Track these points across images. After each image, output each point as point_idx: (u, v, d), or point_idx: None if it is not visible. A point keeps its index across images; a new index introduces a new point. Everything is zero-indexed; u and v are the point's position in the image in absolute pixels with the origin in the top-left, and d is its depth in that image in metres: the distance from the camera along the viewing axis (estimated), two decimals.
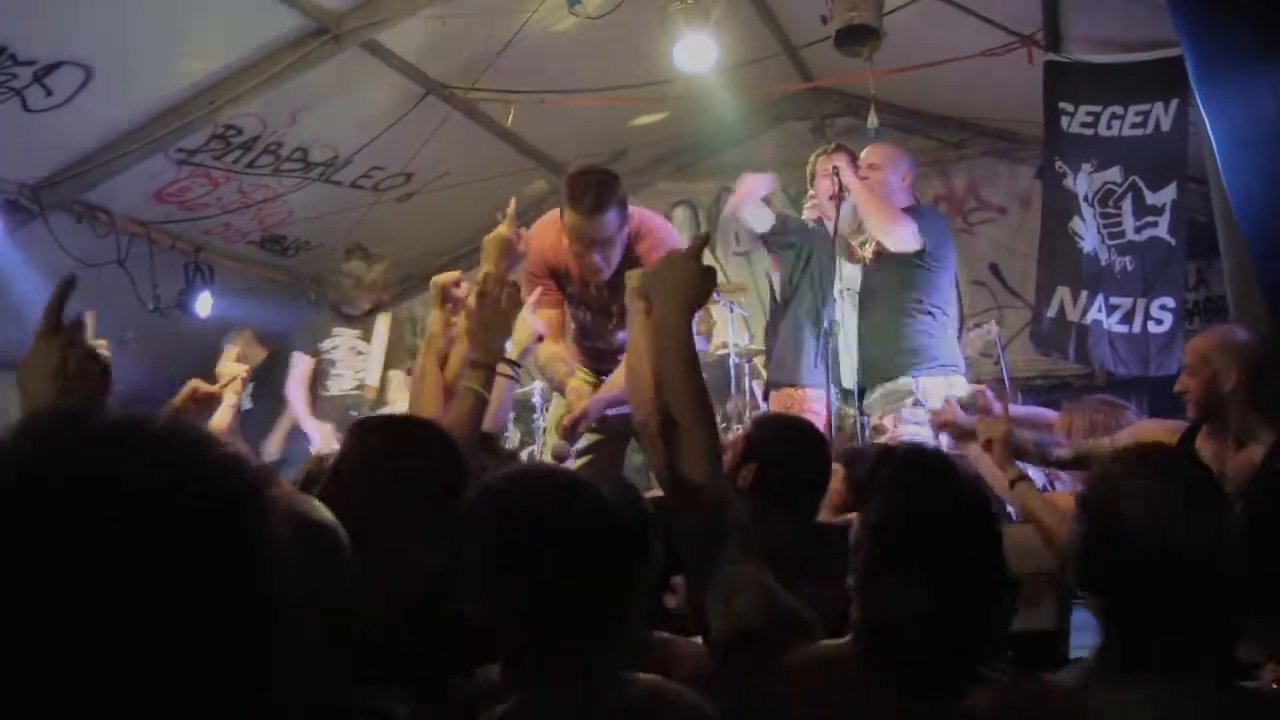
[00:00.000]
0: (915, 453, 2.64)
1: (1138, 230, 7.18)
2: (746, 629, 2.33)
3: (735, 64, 8.26)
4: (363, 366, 8.09)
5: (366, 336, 8.10)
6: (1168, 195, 7.04)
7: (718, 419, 3.82)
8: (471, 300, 4.03)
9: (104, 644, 0.95)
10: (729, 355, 8.78)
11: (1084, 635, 4.90)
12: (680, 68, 7.64)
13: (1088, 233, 7.40)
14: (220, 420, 5.58)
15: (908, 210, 6.54)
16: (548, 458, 5.77)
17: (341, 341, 8.11)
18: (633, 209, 5.35)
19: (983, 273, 10.34)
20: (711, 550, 2.41)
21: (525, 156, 9.73)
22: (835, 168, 6.55)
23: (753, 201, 6.94)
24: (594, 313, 5.56)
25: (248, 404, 8.53)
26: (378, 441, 2.92)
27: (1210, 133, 4.84)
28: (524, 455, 7.86)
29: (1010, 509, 5.27)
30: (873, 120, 7.49)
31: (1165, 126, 7.00)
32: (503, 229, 4.43)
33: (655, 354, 2.67)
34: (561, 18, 7.55)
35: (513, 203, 4.54)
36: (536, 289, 5.36)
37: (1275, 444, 4.34)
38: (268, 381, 8.33)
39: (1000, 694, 2.30)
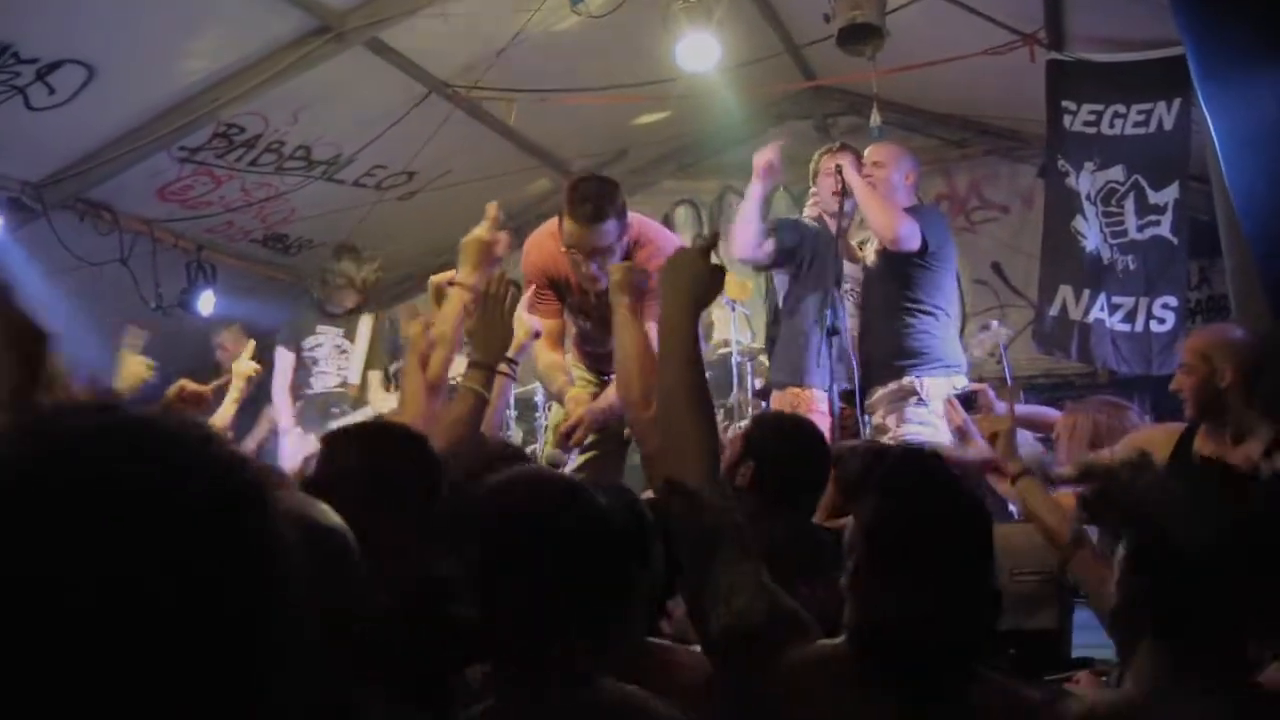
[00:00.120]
0: (909, 454, 2.65)
1: (1140, 229, 7.18)
2: (745, 629, 2.33)
3: (738, 63, 8.25)
4: (346, 365, 8.08)
5: (350, 335, 8.10)
6: (1170, 194, 7.05)
7: (719, 416, 3.83)
8: (464, 300, 4.06)
9: (104, 644, 0.95)
10: (731, 354, 8.79)
11: (1085, 635, 4.92)
12: (683, 66, 7.64)
13: (1090, 232, 7.41)
14: (222, 418, 5.60)
15: (909, 210, 6.54)
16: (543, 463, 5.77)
17: (325, 339, 8.10)
18: (633, 216, 5.35)
19: (985, 272, 10.33)
20: (709, 550, 2.41)
21: (528, 155, 9.73)
22: (839, 166, 6.55)
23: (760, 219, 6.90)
24: (593, 321, 5.56)
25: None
26: (356, 449, 2.90)
27: (1212, 132, 4.84)
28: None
29: (1013, 508, 5.28)
30: (875, 119, 7.50)
31: (1168, 125, 7.00)
32: (481, 232, 4.40)
33: (659, 352, 2.67)
34: (564, 16, 7.56)
35: (493, 207, 4.51)
36: (533, 292, 5.36)
37: (1273, 440, 4.35)
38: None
39: (997, 695, 2.31)
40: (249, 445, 8.32)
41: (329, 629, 1.83)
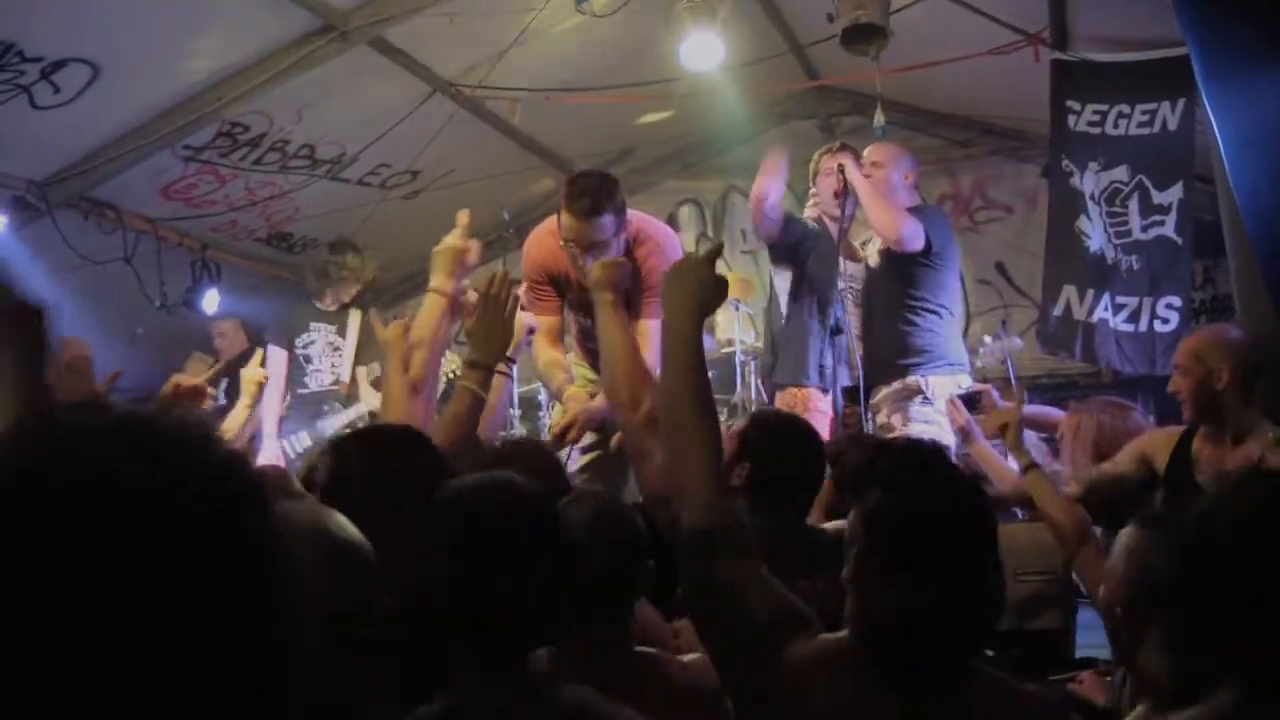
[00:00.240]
0: (912, 447, 2.65)
1: (1144, 229, 7.17)
2: (748, 627, 2.34)
3: (741, 62, 8.25)
4: (339, 362, 8.08)
5: (342, 331, 8.08)
6: (1174, 194, 7.04)
7: (722, 414, 3.84)
8: (440, 305, 4.10)
9: (104, 644, 0.96)
10: (735, 353, 8.79)
11: (1089, 635, 4.92)
12: (686, 66, 7.64)
13: (1094, 232, 7.40)
14: (234, 423, 5.62)
15: (912, 210, 6.54)
16: None
17: (318, 337, 8.09)
18: (632, 214, 5.36)
19: (989, 272, 10.33)
20: (712, 548, 2.42)
21: (531, 154, 9.74)
22: (840, 166, 6.56)
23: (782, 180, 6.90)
24: (594, 318, 5.56)
25: (222, 399, 8.57)
26: (361, 452, 2.96)
27: (1216, 132, 4.84)
28: None
29: (1017, 510, 5.28)
30: (879, 119, 7.49)
31: (1172, 125, 6.99)
32: (454, 240, 4.41)
33: (662, 355, 2.67)
34: (568, 16, 7.56)
35: (464, 215, 4.52)
36: (534, 288, 5.38)
37: (1271, 438, 4.36)
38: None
39: (996, 692, 2.31)
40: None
41: (343, 639, 1.85)
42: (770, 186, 6.70)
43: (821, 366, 6.62)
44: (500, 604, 2.22)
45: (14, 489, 1.00)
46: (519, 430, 8.71)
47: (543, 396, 9.10)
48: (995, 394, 5.71)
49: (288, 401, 7.90)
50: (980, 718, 2.26)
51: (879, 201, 6.44)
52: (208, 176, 8.41)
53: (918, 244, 6.37)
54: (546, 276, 5.52)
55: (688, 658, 2.85)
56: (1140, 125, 7.13)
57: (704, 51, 7.38)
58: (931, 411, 6.27)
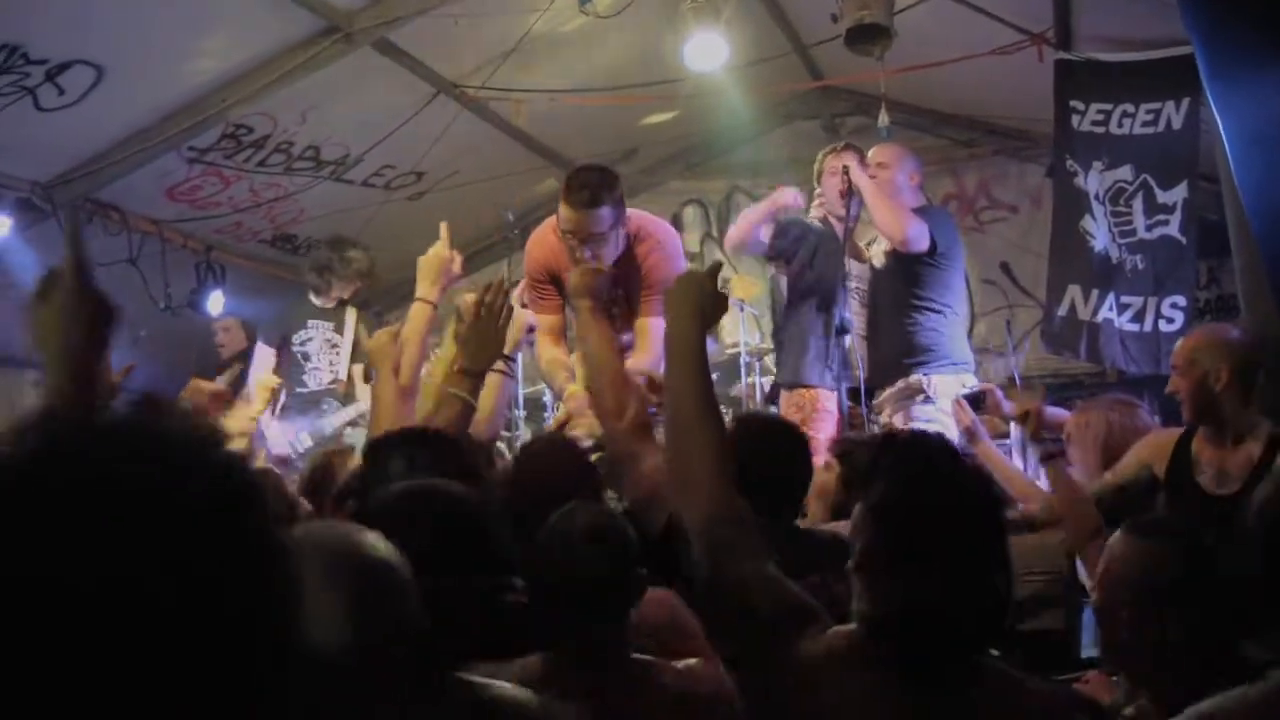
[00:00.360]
0: (919, 439, 2.65)
1: (1149, 229, 7.17)
2: (758, 622, 2.34)
3: (746, 63, 8.25)
4: (337, 359, 8.05)
5: (339, 328, 8.06)
6: (1179, 194, 7.03)
7: (727, 415, 3.84)
8: (427, 314, 4.16)
9: (104, 644, 0.96)
10: (739, 354, 8.79)
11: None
12: (690, 66, 7.63)
13: (1099, 231, 7.40)
14: (242, 425, 5.64)
15: (917, 211, 6.55)
16: None
17: (315, 334, 8.06)
18: (633, 212, 5.37)
19: (994, 272, 10.32)
20: (720, 547, 2.42)
21: (536, 155, 9.74)
22: (845, 166, 6.56)
23: (763, 227, 6.92)
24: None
25: None
26: (400, 457, 3.03)
27: (1221, 131, 4.83)
28: None
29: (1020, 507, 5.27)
30: (883, 119, 7.49)
31: (1176, 125, 6.98)
32: (439, 249, 4.47)
33: (666, 360, 2.69)
34: (572, 17, 7.56)
35: (446, 227, 4.58)
36: (536, 287, 5.39)
37: (1271, 438, 4.35)
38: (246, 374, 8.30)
39: (1004, 686, 2.31)
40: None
41: (377, 658, 1.86)
42: (754, 236, 6.77)
43: (827, 367, 6.62)
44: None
45: (14, 489, 1.00)
46: (523, 431, 8.69)
47: (547, 397, 9.07)
48: (999, 393, 5.71)
49: (283, 400, 7.88)
50: (989, 713, 2.25)
51: (884, 202, 6.44)
52: (212, 178, 8.42)
53: (923, 244, 6.37)
54: (548, 275, 5.53)
55: (683, 663, 2.85)
56: (1145, 125, 7.13)
57: (708, 52, 7.38)
58: (933, 411, 6.27)
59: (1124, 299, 7.26)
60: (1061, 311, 7.59)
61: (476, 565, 2.25)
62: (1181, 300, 7.10)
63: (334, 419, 7.70)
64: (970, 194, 10.55)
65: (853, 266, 6.76)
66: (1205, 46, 4.73)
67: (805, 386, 6.72)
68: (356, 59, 7.46)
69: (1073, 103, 7.46)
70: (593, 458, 5.66)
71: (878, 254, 6.78)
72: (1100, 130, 7.33)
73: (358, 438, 6.48)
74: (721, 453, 2.55)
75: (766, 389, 8.64)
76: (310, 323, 8.06)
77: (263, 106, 7.67)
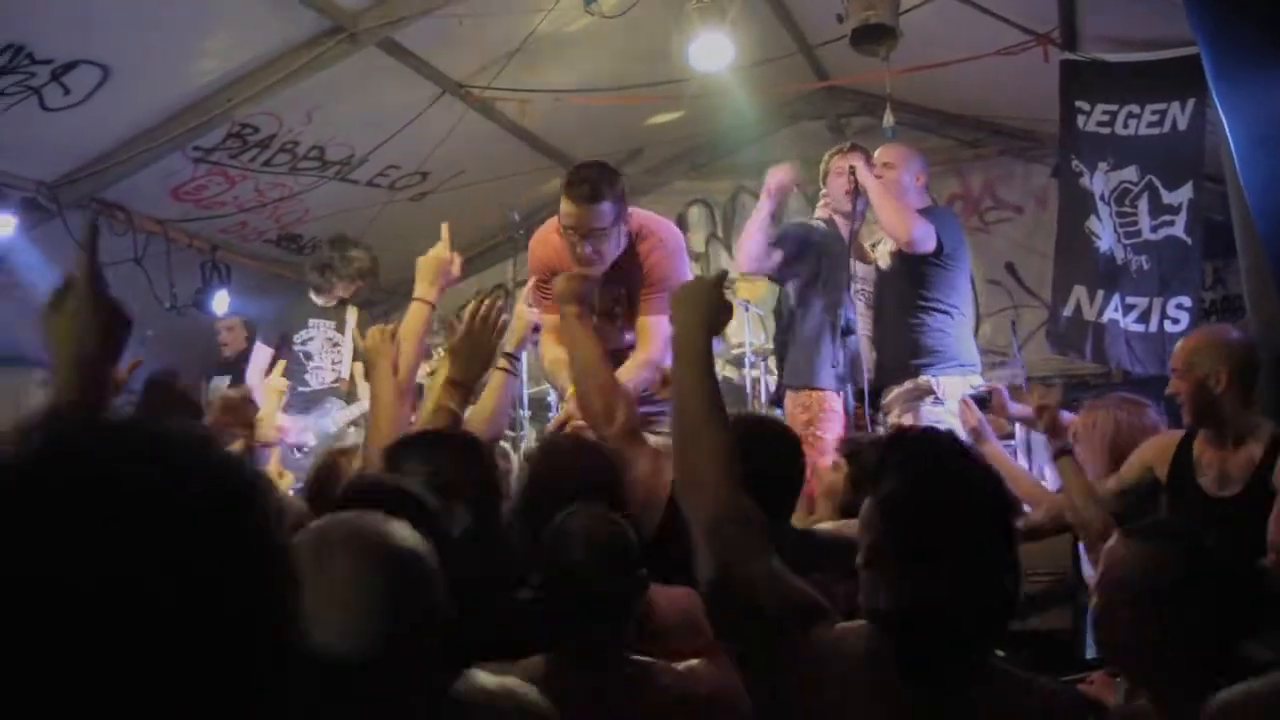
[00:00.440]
0: (929, 436, 2.66)
1: (1154, 229, 7.16)
2: (766, 620, 2.34)
3: (751, 63, 8.25)
4: (339, 358, 8.03)
5: (340, 327, 8.04)
6: (1184, 194, 7.02)
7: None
8: (425, 314, 4.20)
9: (104, 644, 0.96)
10: (744, 354, 8.79)
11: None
12: (696, 66, 7.62)
13: (1104, 232, 7.39)
14: (271, 436, 5.66)
15: (923, 211, 6.54)
16: None
17: (317, 333, 8.04)
18: (635, 210, 5.38)
19: (999, 272, 10.32)
20: (727, 546, 2.42)
21: (541, 155, 9.74)
22: (852, 166, 6.55)
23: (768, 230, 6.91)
24: (598, 315, 5.57)
25: None
26: (422, 456, 3.06)
27: (1227, 131, 4.83)
28: None
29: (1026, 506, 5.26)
30: (889, 119, 7.48)
31: (1182, 125, 6.97)
32: (439, 250, 4.49)
33: (674, 368, 2.72)
34: (577, 16, 7.56)
35: (447, 227, 4.60)
36: (538, 286, 5.39)
37: (1272, 439, 4.35)
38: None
39: (1011, 685, 2.31)
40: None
41: (406, 648, 1.87)
42: (758, 250, 6.76)
43: (833, 368, 6.61)
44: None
45: (14, 489, 1.00)
46: (528, 431, 8.69)
47: (552, 397, 9.06)
48: (1005, 394, 5.72)
49: (284, 400, 7.86)
50: (994, 712, 2.25)
51: (891, 203, 6.43)
52: (217, 178, 8.43)
53: (929, 245, 6.37)
54: (551, 275, 5.51)
55: (684, 664, 2.86)
56: (1150, 125, 7.12)
57: (713, 52, 7.37)
58: (942, 412, 6.26)
59: (1129, 299, 7.26)
60: (1067, 312, 7.58)
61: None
62: (1187, 301, 7.09)
63: (337, 418, 7.70)
64: (975, 194, 10.54)
65: (858, 268, 6.74)
66: (1211, 47, 4.73)
67: (811, 388, 6.71)
68: (362, 59, 7.47)
69: (1078, 103, 7.45)
70: None
71: (883, 255, 6.77)
72: (1106, 131, 7.33)
73: (361, 437, 6.48)
74: (729, 454, 2.55)
75: (772, 389, 8.63)
76: (312, 322, 8.04)
77: (268, 106, 7.68)
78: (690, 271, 5.75)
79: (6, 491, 1.00)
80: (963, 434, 5.64)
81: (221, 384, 8.72)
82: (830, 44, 8.35)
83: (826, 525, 4.46)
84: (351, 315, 8.08)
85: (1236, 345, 4.59)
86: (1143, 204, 7.18)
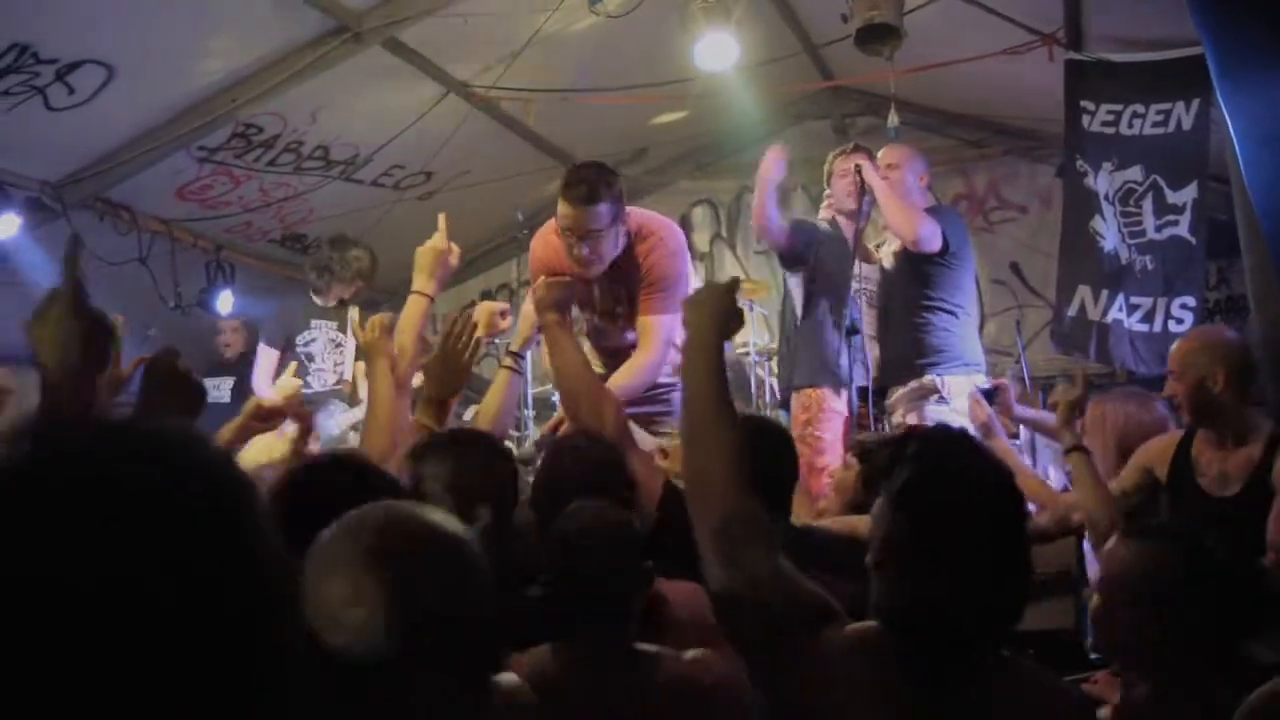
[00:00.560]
0: (942, 433, 2.66)
1: (1158, 229, 7.16)
2: (775, 621, 2.34)
3: (756, 62, 8.24)
4: (342, 360, 8.00)
5: (343, 328, 7.99)
6: (1188, 194, 7.02)
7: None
8: (423, 307, 4.24)
9: (104, 644, 0.96)
10: (749, 354, 8.79)
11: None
12: (701, 66, 7.62)
13: (1108, 232, 7.39)
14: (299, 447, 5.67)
15: (928, 211, 6.55)
16: None
17: (319, 334, 8.03)
18: (635, 210, 5.38)
19: (1004, 272, 10.31)
20: (736, 546, 2.42)
21: (546, 155, 9.73)
22: (858, 166, 6.56)
23: (774, 203, 6.90)
24: (599, 315, 5.58)
25: (225, 398, 8.56)
26: (446, 456, 3.16)
27: (1231, 131, 4.83)
28: None
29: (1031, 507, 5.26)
30: (893, 119, 7.48)
31: (1186, 125, 6.97)
32: (436, 241, 4.51)
33: (685, 372, 2.73)
34: (582, 16, 7.56)
35: (444, 218, 4.61)
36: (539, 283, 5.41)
37: (1270, 436, 4.35)
38: (251, 376, 8.29)
39: (1023, 681, 2.31)
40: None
41: (455, 639, 1.87)
42: (768, 213, 6.74)
43: (837, 367, 6.62)
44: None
45: (14, 489, 1.00)
46: (532, 430, 8.69)
47: (556, 397, 9.07)
48: (1012, 391, 5.72)
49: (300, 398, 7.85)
50: (1005, 709, 2.25)
51: (897, 203, 6.45)
52: (222, 178, 8.43)
53: (935, 244, 6.38)
54: (552, 275, 5.53)
55: (690, 653, 2.88)
56: (1155, 125, 7.12)
57: (718, 52, 7.37)
58: (947, 411, 6.27)
59: (1134, 299, 7.26)
60: (1071, 312, 7.58)
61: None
62: (1191, 301, 7.09)
63: (340, 420, 7.68)
64: (980, 194, 10.53)
65: (862, 267, 6.75)
66: (1215, 47, 4.72)
67: (815, 387, 6.72)
68: (366, 59, 7.47)
69: (1083, 103, 7.45)
70: None
71: (887, 255, 6.79)
72: (1110, 131, 7.33)
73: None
74: (737, 455, 2.56)
75: (777, 390, 8.62)
76: (314, 323, 8.03)
77: (272, 106, 7.68)
78: (692, 271, 5.75)
79: (6, 492, 1.00)
80: (970, 430, 5.66)
81: (221, 385, 8.74)
82: (835, 44, 8.36)
83: (835, 522, 4.47)
84: (354, 315, 8.06)
85: (1233, 345, 4.59)
86: (1147, 204, 7.18)
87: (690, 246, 10.87)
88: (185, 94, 7.40)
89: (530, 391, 8.57)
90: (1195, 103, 6.89)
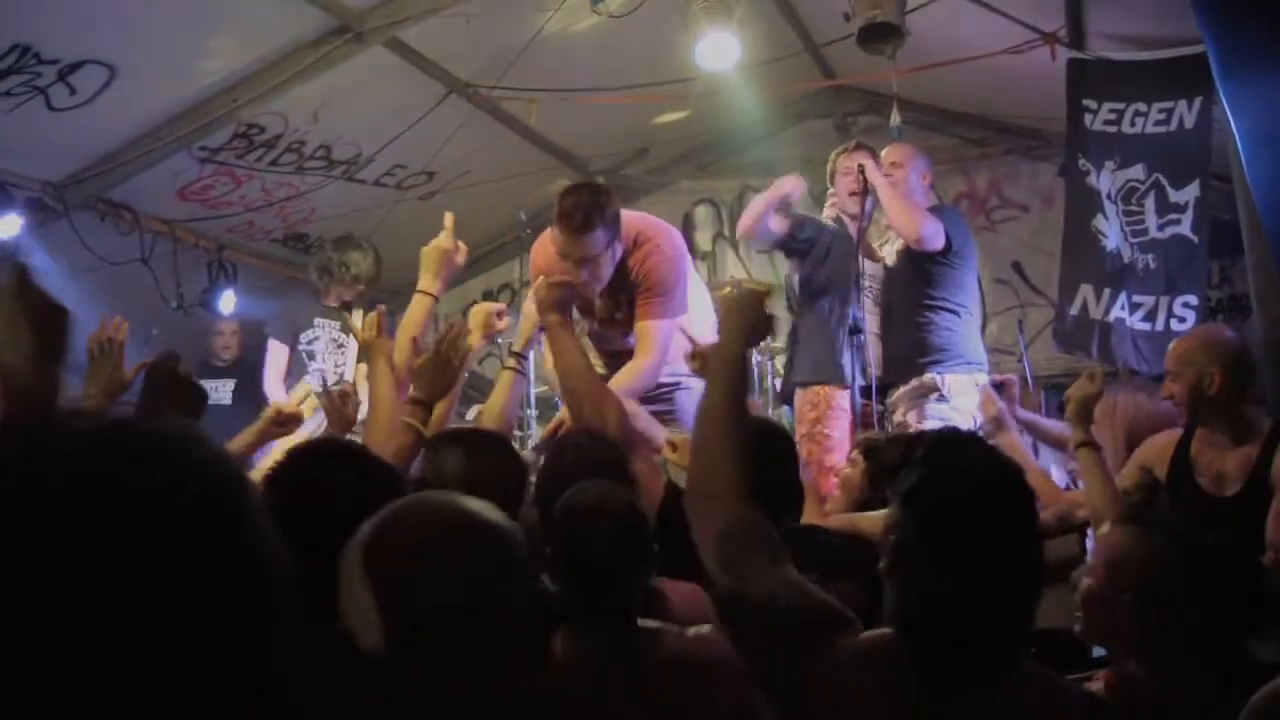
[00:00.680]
0: (951, 434, 2.67)
1: (1160, 228, 7.15)
2: (784, 629, 2.34)
3: (757, 62, 8.24)
4: (343, 360, 7.99)
5: (346, 328, 7.98)
6: (1190, 193, 7.01)
7: None
8: (427, 305, 4.26)
9: (104, 644, 0.96)
10: (751, 354, 8.78)
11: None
12: (702, 66, 7.63)
13: (1110, 230, 7.38)
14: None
15: (931, 210, 6.56)
16: None
17: (322, 333, 8.01)
18: (632, 215, 5.37)
19: (1006, 271, 10.30)
20: (738, 554, 2.42)
21: (547, 155, 9.74)
22: (861, 165, 6.57)
23: (771, 215, 6.90)
24: (599, 321, 5.58)
25: (226, 400, 8.55)
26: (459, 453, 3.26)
27: (1234, 130, 4.83)
28: None
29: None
30: (895, 118, 7.49)
31: (1188, 124, 6.96)
32: (441, 241, 4.51)
33: (709, 375, 2.77)
34: (584, 16, 7.57)
35: (450, 217, 4.61)
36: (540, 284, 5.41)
37: (1269, 436, 4.35)
38: (251, 377, 8.29)
39: (1035, 683, 2.31)
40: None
41: (499, 628, 1.88)
42: (764, 223, 6.77)
43: (840, 365, 6.63)
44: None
45: (14, 489, 1.00)
46: (534, 430, 8.68)
47: (558, 397, 9.06)
48: (1017, 388, 5.73)
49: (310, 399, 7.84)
50: (1017, 712, 2.25)
51: (900, 202, 6.46)
52: (224, 178, 8.43)
53: (938, 243, 6.39)
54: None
55: (694, 630, 2.89)
56: (1157, 124, 7.11)
57: (720, 51, 7.38)
58: (948, 409, 6.28)
59: (1136, 298, 7.25)
60: (1073, 310, 7.57)
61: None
62: (1193, 299, 7.08)
63: None
64: (982, 193, 10.53)
65: (865, 266, 6.75)
66: (1218, 46, 4.72)
67: (823, 385, 6.73)
68: (368, 58, 7.47)
69: (1085, 101, 7.44)
70: None
71: (890, 253, 6.79)
72: (1112, 129, 7.32)
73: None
74: (744, 464, 2.56)
75: (779, 388, 8.62)
76: (318, 321, 8.01)
77: (274, 106, 7.68)
78: (692, 273, 5.75)
79: (6, 492, 1.00)
80: (972, 426, 5.67)
81: (221, 387, 8.73)
82: (837, 43, 8.36)
83: (836, 519, 4.48)
84: (357, 317, 8.06)
85: (1230, 345, 4.59)
86: (1149, 202, 7.17)
87: (692, 246, 10.92)
88: (187, 94, 7.40)
89: (533, 391, 8.57)
90: (1197, 101, 6.88)
